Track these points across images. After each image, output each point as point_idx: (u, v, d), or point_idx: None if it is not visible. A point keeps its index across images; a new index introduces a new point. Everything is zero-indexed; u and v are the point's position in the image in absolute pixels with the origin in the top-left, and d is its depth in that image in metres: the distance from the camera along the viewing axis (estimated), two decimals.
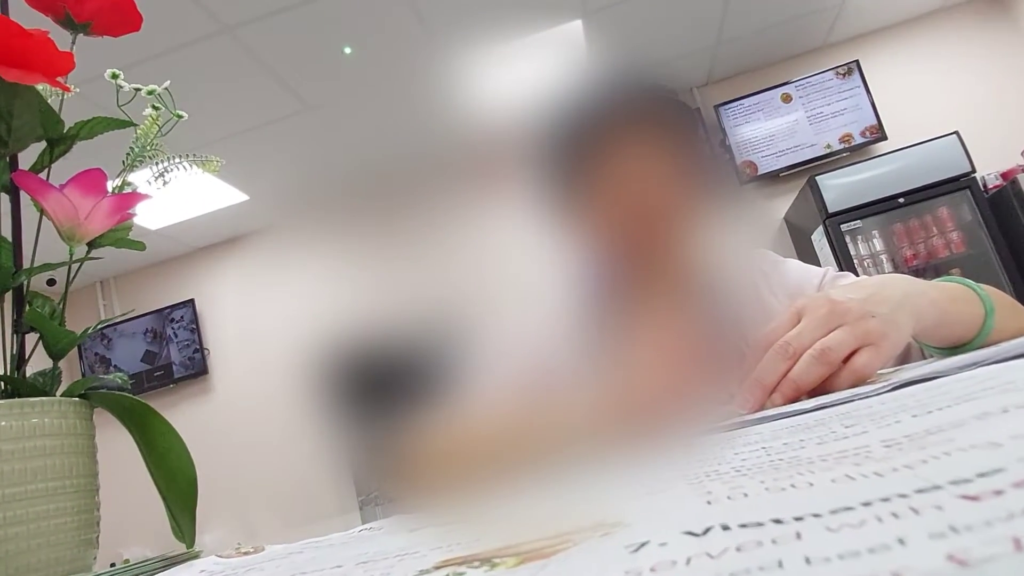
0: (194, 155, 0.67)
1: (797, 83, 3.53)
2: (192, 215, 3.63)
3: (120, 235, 0.61)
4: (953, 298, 0.62)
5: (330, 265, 3.93)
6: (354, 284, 3.83)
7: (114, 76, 0.63)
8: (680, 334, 0.71)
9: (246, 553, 0.37)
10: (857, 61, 3.48)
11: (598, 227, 0.77)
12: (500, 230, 3.52)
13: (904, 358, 0.75)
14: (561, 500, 0.25)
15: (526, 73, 3.02)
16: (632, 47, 3.14)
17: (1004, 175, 3.11)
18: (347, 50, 2.69)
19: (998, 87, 3.44)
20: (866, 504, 0.11)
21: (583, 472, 0.33)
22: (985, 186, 3.10)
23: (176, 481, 0.55)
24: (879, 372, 0.60)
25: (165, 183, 0.67)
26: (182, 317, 4.01)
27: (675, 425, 0.55)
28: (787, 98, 3.54)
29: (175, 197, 3.35)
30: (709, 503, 0.15)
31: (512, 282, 3.32)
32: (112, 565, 0.48)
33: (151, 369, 3.98)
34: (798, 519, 0.12)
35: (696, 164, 0.80)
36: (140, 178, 0.64)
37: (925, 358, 0.71)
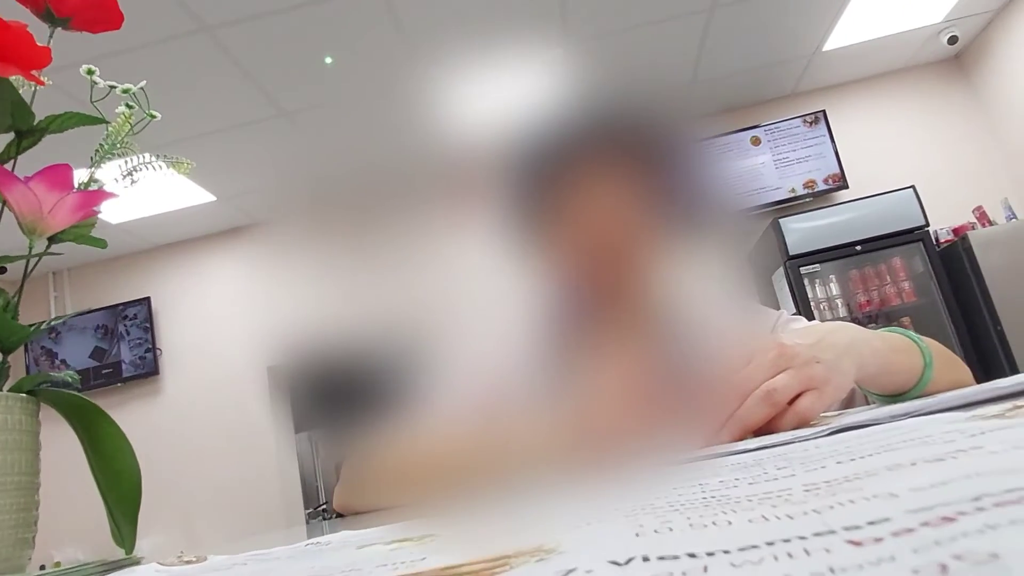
0: (165, 155, 0.67)
1: (766, 127, 3.64)
2: (156, 212, 3.57)
3: (83, 231, 0.61)
4: (895, 348, 0.65)
5: (294, 273, 3.88)
6: (317, 295, 3.79)
7: (89, 72, 0.63)
8: (637, 367, 0.73)
9: (188, 562, 0.37)
10: (824, 111, 3.62)
11: (563, 256, 0.78)
12: (468, 249, 3.53)
13: (848, 402, 0.77)
14: (508, 522, 0.25)
15: (501, 96, 3.06)
16: (608, 80, 3.20)
17: (955, 231, 3.25)
18: (328, 60, 2.69)
19: (954, 147, 3.61)
20: (769, 544, 0.13)
21: (531, 497, 0.34)
22: (937, 240, 3.23)
23: (120, 485, 0.54)
24: (822, 415, 0.63)
25: (133, 182, 0.66)
26: (136, 315, 3.90)
27: (626, 457, 0.57)
28: (756, 141, 3.65)
29: (139, 193, 3.28)
30: (637, 535, 0.16)
31: (476, 302, 3.32)
32: (42, 567, 0.47)
33: (99, 366, 3.86)
34: (710, 554, 0.13)
35: (665, 198, 0.80)
36: (107, 175, 0.63)
37: (868, 403, 0.74)
